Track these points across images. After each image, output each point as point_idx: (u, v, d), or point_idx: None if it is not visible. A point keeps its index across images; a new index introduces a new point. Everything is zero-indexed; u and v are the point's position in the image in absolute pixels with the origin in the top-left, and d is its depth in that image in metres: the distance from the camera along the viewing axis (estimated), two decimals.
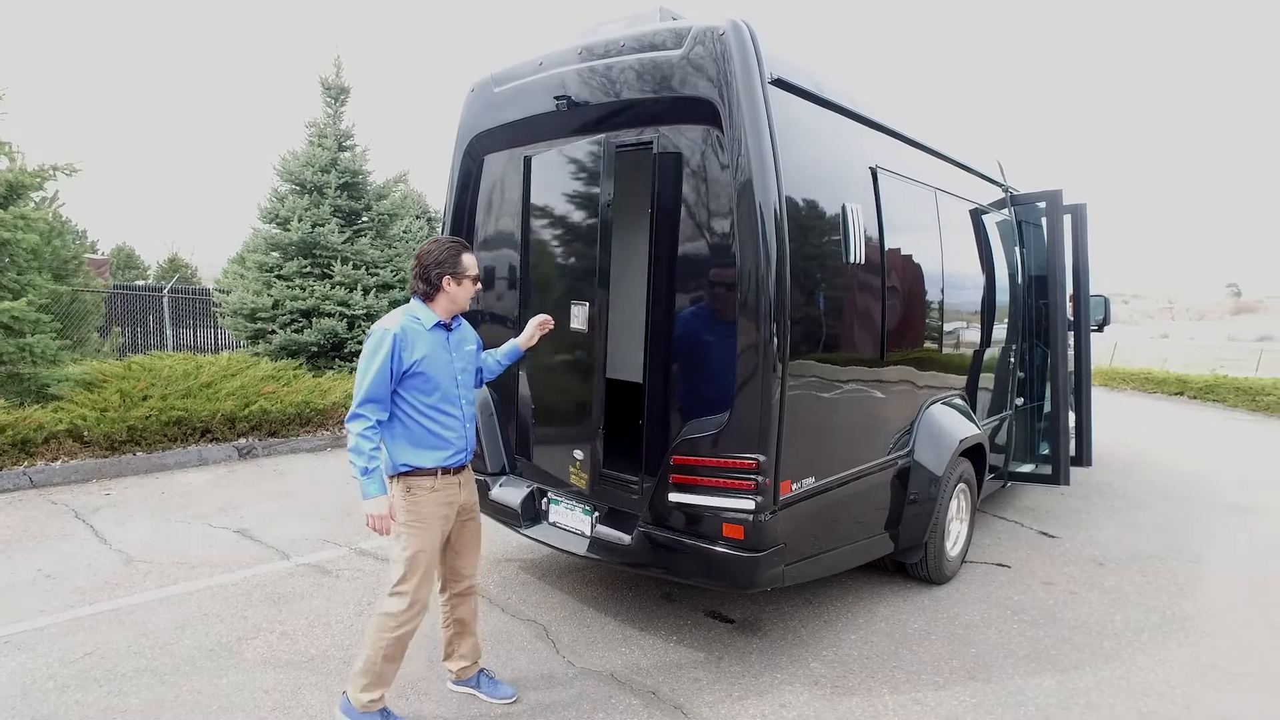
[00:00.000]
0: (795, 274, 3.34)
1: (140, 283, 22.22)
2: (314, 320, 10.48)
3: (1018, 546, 5.61)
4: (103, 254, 26.97)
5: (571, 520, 4.02)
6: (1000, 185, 6.01)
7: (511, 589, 4.56)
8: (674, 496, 3.48)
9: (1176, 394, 15.19)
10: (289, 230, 10.67)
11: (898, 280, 4.24)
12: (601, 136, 3.70)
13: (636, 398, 3.77)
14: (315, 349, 10.50)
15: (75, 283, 14.14)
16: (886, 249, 4.08)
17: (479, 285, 3.09)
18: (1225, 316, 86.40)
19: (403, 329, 2.89)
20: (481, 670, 3.39)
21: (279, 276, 10.76)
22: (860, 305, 3.93)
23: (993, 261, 5.60)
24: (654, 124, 3.59)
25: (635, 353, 3.90)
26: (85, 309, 12.69)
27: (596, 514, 3.90)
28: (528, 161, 4.14)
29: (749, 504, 3.29)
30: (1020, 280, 6.10)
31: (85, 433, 6.88)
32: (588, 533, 3.92)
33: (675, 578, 3.93)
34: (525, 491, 4.23)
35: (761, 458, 3.27)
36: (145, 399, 7.62)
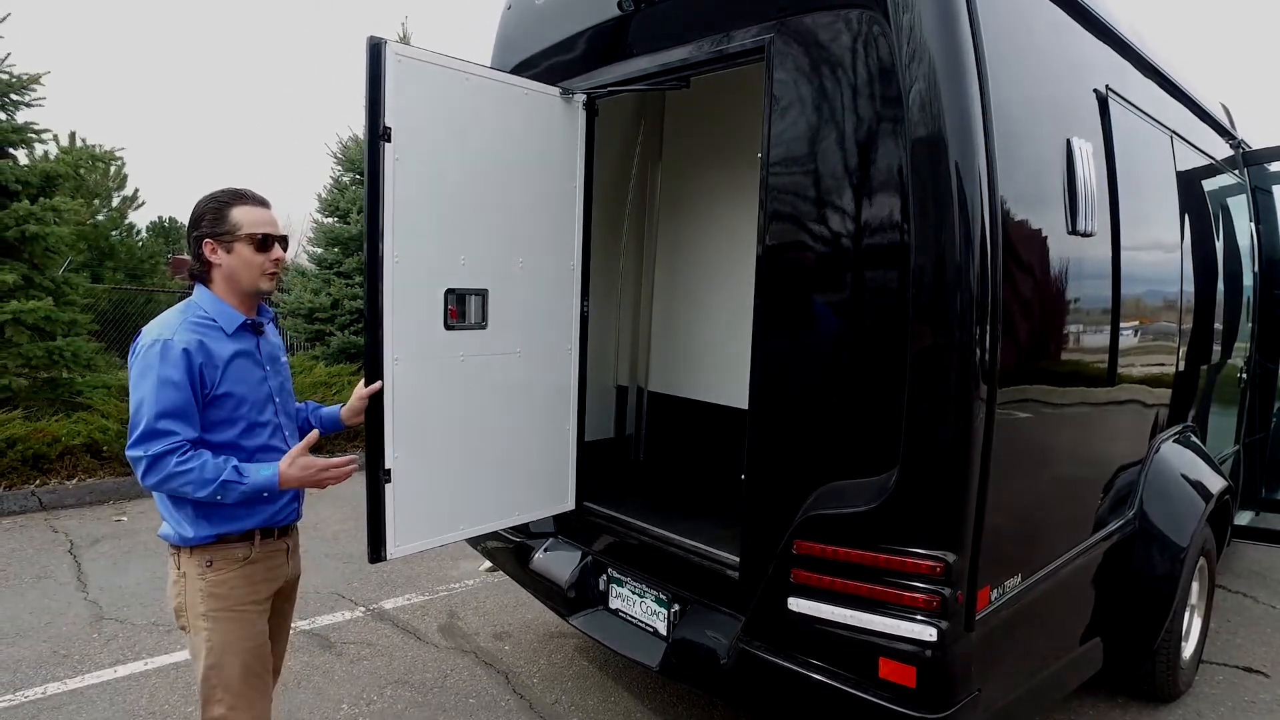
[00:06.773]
0: (1006, 251, 2.01)
1: None
2: None
3: (1263, 636, 4.04)
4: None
5: (640, 611, 2.79)
6: (1231, 136, 4.42)
7: (561, 685, 3.37)
8: (796, 604, 2.19)
9: None
10: (349, 224, 9.87)
11: (1131, 261, 2.81)
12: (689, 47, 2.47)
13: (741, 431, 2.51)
14: None
15: (151, 283, 14.01)
16: (1121, 214, 2.67)
17: (274, 251, 2.02)
18: None
19: (193, 340, 1.93)
20: None
21: (338, 274, 9.97)
22: (1088, 298, 2.55)
23: (1229, 240, 4.06)
24: (768, 18, 2.31)
25: (740, 368, 2.65)
26: (157, 311, 12.39)
27: (676, 608, 2.66)
28: (591, 103, 2.95)
29: (927, 632, 1.97)
30: (1255, 267, 4.51)
31: (104, 448, 6.13)
32: (664, 633, 2.69)
33: None
34: (578, 562, 3.03)
35: (951, 557, 1.94)
36: None
